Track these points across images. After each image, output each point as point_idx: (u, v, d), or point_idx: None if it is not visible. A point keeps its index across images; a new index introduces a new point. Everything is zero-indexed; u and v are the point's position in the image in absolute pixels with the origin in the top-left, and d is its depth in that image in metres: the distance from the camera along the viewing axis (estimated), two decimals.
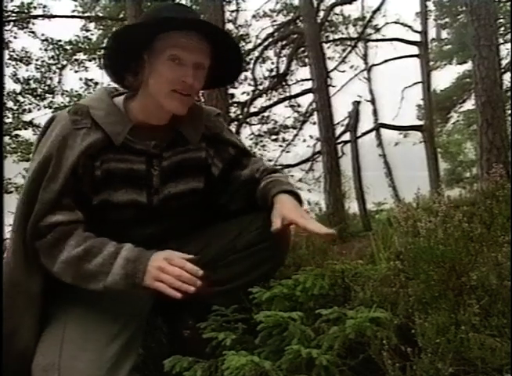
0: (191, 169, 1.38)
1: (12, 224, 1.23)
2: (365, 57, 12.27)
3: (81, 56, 10.26)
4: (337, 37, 12.29)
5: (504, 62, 9.64)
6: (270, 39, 11.39)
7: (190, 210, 1.41)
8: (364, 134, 11.09)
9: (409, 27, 12.29)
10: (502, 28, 11.12)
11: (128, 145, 1.26)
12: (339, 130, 10.45)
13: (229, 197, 1.46)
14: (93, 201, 1.27)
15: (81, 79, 9.99)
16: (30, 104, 9.74)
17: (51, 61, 9.94)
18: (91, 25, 10.61)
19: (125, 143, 1.25)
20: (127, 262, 1.14)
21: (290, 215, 1.24)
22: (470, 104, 14.33)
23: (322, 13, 11.11)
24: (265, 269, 1.35)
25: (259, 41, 11.30)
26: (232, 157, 1.45)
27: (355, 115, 10.14)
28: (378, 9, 11.70)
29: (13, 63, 9.62)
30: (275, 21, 11.74)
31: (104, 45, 10.50)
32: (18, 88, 9.64)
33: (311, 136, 11.64)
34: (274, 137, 11.96)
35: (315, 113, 9.05)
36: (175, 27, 1.20)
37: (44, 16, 9.68)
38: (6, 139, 9.43)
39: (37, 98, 9.76)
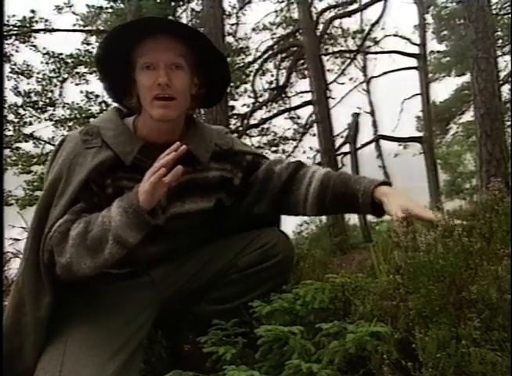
0: (198, 189, 1.36)
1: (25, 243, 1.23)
2: (364, 69, 12.37)
3: (82, 69, 10.29)
4: (336, 49, 12.37)
5: (502, 74, 9.70)
6: (270, 52, 11.46)
7: (198, 230, 1.41)
8: (364, 145, 11.12)
9: (408, 39, 12.40)
10: (500, 41, 11.21)
11: (138, 164, 1.25)
12: (339, 141, 10.50)
13: (253, 199, 1.43)
14: None
15: (81, 92, 10.01)
16: (31, 117, 9.76)
17: (52, 74, 9.97)
18: (93, 39, 10.66)
19: (135, 163, 1.25)
20: (120, 201, 1.14)
21: (410, 206, 1.23)
22: (469, 116, 14.40)
23: (321, 26, 11.18)
24: (267, 288, 1.35)
25: (259, 54, 11.37)
26: (250, 161, 1.44)
27: (354, 127, 10.17)
28: (377, 21, 11.79)
29: (15, 76, 9.66)
30: (274, 34, 11.84)
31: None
32: (19, 101, 9.68)
33: (311, 148, 11.68)
34: (274, 149, 11.97)
35: (315, 124, 9.09)
36: (139, 34, 1.21)
37: (45, 30, 9.74)
38: (7, 151, 9.43)
39: (38, 111, 9.79)
